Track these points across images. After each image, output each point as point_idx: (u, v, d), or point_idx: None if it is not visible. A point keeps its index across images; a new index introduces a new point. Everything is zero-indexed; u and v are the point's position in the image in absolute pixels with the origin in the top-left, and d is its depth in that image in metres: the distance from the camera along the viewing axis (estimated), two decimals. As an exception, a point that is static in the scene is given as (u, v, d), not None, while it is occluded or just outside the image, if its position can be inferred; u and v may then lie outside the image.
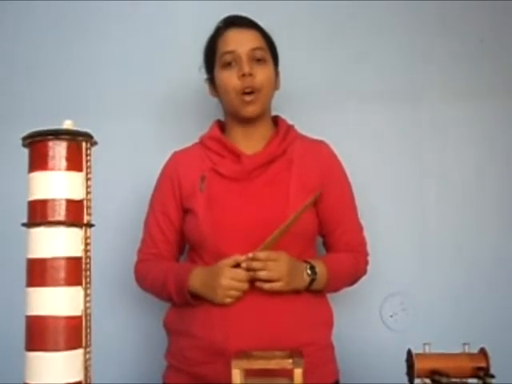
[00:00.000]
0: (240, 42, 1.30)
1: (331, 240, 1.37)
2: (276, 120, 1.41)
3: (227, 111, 1.37)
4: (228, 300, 1.19)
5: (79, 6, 1.72)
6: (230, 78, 1.29)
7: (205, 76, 1.40)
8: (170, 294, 1.27)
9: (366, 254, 1.40)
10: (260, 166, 1.30)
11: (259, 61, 1.30)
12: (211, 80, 1.38)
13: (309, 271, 1.23)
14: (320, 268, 1.24)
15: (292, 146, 1.35)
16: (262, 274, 1.18)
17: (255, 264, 1.17)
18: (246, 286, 1.18)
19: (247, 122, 1.34)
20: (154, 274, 1.33)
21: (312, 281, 1.23)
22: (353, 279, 1.38)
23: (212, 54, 1.35)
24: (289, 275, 1.19)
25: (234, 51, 1.29)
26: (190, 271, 1.24)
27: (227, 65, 1.30)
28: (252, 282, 1.20)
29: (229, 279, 1.17)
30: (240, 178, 1.29)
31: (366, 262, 1.40)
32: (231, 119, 1.37)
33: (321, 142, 1.40)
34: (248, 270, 1.18)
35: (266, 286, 1.19)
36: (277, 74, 1.38)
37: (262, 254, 1.17)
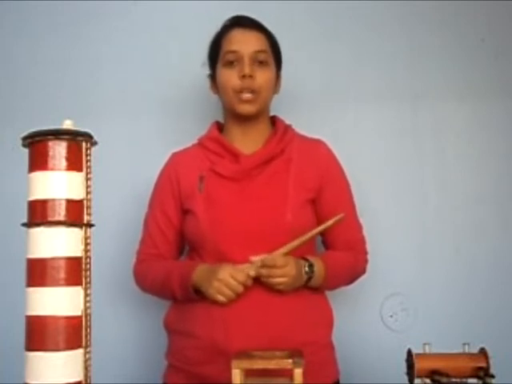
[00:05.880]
0: (244, 43, 1.30)
1: (330, 238, 1.37)
2: (274, 120, 1.42)
3: (225, 109, 1.38)
4: (220, 297, 1.18)
5: (79, 6, 1.72)
6: (230, 77, 1.30)
7: (208, 72, 1.41)
8: (172, 289, 1.27)
9: (365, 253, 1.40)
10: (258, 166, 1.31)
11: (261, 63, 1.31)
12: (213, 76, 1.39)
13: (307, 269, 1.23)
14: (318, 266, 1.25)
15: (290, 146, 1.35)
16: (270, 281, 1.19)
17: (264, 271, 1.18)
18: (241, 288, 1.18)
19: (244, 120, 1.34)
20: (156, 271, 1.33)
21: (309, 278, 1.24)
22: (351, 277, 1.39)
23: (216, 52, 1.35)
24: (294, 278, 1.20)
25: (237, 51, 1.30)
26: (195, 266, 1.25)
27: (229, 64, 1.31)
28: (255, 279, 1.20)
29: (227, 275, 1.17)
30: (238, 177, 1.30)
31: (366, 261, 1.40)
32: (229, 118, 1.38)
33: (318, 141, 1.40)
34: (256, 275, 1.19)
35: (270, 284, 1.20)
36: (278, 77, 1.39)
37: (270, 261, 1.18)
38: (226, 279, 1.17)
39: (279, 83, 1.41)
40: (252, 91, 1.29)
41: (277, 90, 1.40)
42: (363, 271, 1.40)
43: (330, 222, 1.24)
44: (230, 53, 1.31)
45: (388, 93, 1.70)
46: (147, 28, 1.72)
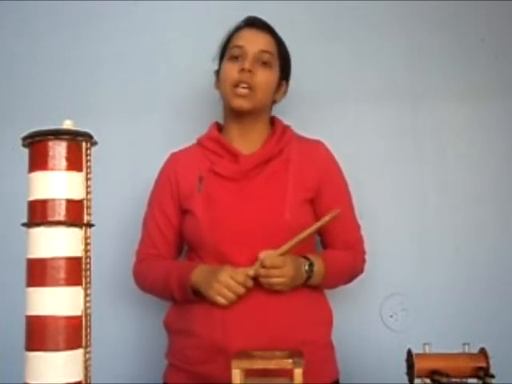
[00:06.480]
0: (251, 41, 1.32)
1: (329, 238, 1.38)
2: (273, 121, 1.42)
3: (223, 106, 1.39)
4: (220, 299, 1.18)
5: (79, 6, 1.72)
6: (230, 70, 1.31)
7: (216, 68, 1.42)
8: (171, 290, 1.27)
9: (363, 252, 1.40)
10: (257, 166, 1.31)
11: (264, 64, 1.32)
12: (218, 72, 1.39)
13: (307, 267, 1.24)
14: (318, 264, 1.25)
15: (289, 146, 1.36)
16: (268, 281, 1.19)
17: (262, 271, 1.18)
18: (241, 289, 1.18)
19: (242, 118, 1.34)
20: (156, 271, 1.33)
21: (309, 277, 1.24)
22: (350, 276, 1.39)
23: (224, 48, 1.37)
24: (292, 279, 1.20)
25: (243, 47, 1.31)
26: (194, 267, 1.25)
27: (233, 58, 1.32)
28: (254, 279, 1.20)
29: (227, 276, 1.17)
30: (237, 177, 1.30)
31: (364, 260, 1.40)
32: (228, 117, 1.38)
33: (317, 142, 1.40)
34: (255, 276, 1.19)
35: (268, 284, 1.20)
36: (281, 84, 1.39)
37: (268, 262, 1.18)
38: (226, 281, 1.17)
39: (283, 91, 1.41)
40: (249, 87, 1.29)
41: (279, 97, 1.40)
42: (361, 271, 1.41)
43: (326, 218, 1.23)
44: (236, 47, 1.32)
45: (388, 93, 1.69)
46: (147, 28, 1.72)
